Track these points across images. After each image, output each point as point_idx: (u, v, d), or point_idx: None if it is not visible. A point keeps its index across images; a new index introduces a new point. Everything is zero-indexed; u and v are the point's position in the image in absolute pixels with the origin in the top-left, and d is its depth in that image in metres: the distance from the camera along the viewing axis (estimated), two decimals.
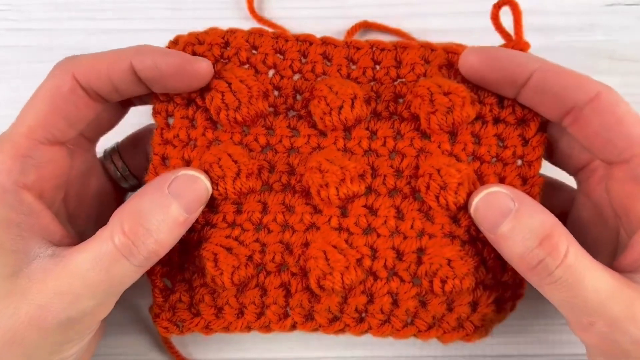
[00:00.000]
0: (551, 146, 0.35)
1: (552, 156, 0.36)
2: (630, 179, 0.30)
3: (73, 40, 0.46)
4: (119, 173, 0.38)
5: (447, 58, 0.34)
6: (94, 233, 0.36)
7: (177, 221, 0.31)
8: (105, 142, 0.38)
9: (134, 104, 0.37)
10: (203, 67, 0.32)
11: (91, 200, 0.37)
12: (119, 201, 0.39)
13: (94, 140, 0.37)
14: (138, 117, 0.38)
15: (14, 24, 0.46)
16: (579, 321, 0.30)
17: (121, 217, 0.30)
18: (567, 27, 0.43)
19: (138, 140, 0.38)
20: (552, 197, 0.36)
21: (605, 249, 0.33)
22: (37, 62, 0.45)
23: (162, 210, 0.30)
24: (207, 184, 0.33)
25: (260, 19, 0.45)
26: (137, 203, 0.31)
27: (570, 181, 0.37)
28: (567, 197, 0.36)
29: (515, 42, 0.34)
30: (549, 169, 0.37)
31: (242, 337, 0.41)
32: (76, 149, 0.35)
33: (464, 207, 0.33)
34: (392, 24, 0.44)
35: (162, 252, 0.31)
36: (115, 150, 0.38)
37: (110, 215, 0.37)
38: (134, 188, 0.39)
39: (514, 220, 0.30)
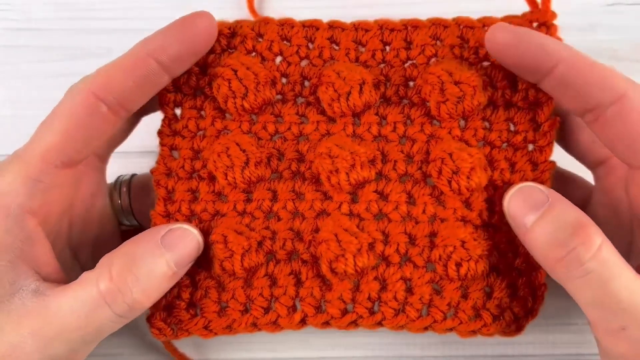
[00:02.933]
0: (571, 137, 0.34)
1: (571, 148, 0.34)
2: None
3: (73, 40, 0.45)
4: (121, 206, 0.37)
5: (460, 34, 0.33)
6: (91, 258, 0.35)
7: (166, 274, 0.30)
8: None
9: (147, 112, 0.35)
10: (202, 21, 0.32)
11: (95, 223, 0.36)
12: (118, 229, 0.38)
13: (105, 157, 0.36)
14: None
15: (14, 24, 0.46)
16: (607, 325, 0.28)
17: (110, 261, 0.29)
18: (568, 27, 0.42)
19: (149, 187, 0.36)
20: (568, 192, 0.35)
21: (618, 250, 0.32)
22: (37, 62, 0.45)
23: (154, 260, 0.29)
24: (200, 240, 0.32)
25: None
26: (129, 249, 0.30)
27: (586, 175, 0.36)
28: (584, 193, 0.35)
29: (542, 12, 0.32)
30: (566, 163, 0.36)
31: (243, 336, 0.41)
32: (86, 168, 0.34)
33: (476, 191, 0.32)
34: None
35: (147, 304, 0.30)
36: (127, 183, 0.37)
37: (109, 241, 0.36)
38: (127, 231, 0.38)
39: (547, 213, 0.29)
